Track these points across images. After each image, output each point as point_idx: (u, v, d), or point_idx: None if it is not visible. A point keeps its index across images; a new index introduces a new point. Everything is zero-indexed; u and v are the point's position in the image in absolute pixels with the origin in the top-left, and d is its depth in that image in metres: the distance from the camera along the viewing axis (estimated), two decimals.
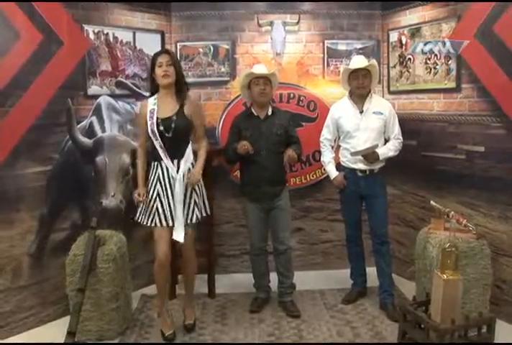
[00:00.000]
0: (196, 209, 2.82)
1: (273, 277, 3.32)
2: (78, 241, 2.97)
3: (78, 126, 3.22)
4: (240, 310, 3.26)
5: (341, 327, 3.00)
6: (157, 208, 2.77)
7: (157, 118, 2.75)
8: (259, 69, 3.12)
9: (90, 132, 3.30)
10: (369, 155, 3.05)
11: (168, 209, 2.77)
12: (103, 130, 3.36)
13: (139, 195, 2.79)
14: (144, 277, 3.56)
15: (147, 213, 2.79)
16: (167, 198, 2.77)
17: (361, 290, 3.39)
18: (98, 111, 3.35)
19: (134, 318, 3.16)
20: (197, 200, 2.82)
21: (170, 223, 2.77)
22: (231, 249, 3.93)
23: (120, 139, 3.42)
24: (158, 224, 2.77)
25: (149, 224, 2.79)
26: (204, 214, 2.88)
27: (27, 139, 2.93)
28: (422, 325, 2.58)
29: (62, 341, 2.52)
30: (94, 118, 3.34)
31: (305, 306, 3.28)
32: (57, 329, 2.88)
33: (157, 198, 2.77)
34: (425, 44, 3.47)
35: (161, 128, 2.73)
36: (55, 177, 3.11)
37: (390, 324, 2.99)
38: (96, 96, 3.34)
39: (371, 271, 3.31)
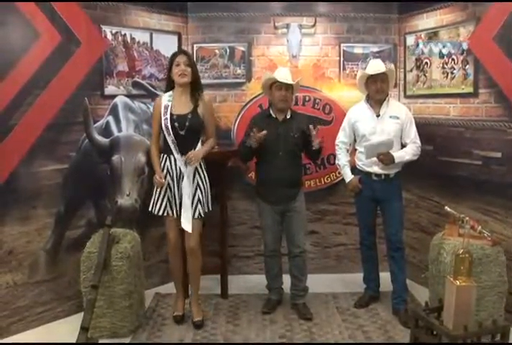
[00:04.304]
0: (200, 206, 2.91)
1: (286, 279, 3.32)
2: (93, 239, 3.01)
3: (95, 125, 3.26)
4: (252, 311, 3.27)
5: (353, 331, 2.99)
6: (168, 199, 2.93)
7: (172, 114, 2.85)
8: (282, 75, 3.03)
9: (106, 132, 3.34)
10: (384, 157, 3.02)
11: (173, 200, 2.92)
12: (120, 130, 3.40)
13: (160, 177, 2.86)
14: (158, 276, 3.59)
15: (159, 204, 2.94)
16: (176, 189, 2.90)
17: (374, 295, 3.37)
18: (114, 111, 3.39)
19: (147, 316, 3.18)
20: (201, 198, 2.92)
21: (179, 213, 2.91)
22: (244, 250, 3.93)
23: (136, 139, 3.45)
24: (170, 213, 2.95)
25: (161, 213, 2.95)
26: (206, 210, 2.96)
27: (45, 137, 2.98)
28: (434, 332, 2.56)
29: (75, 336, 2.55)
30: (111, 118, 3.37)
31: (318, 309, 3.27)
32: (72, 324, 2.91)
33: (168, 189, 2.92)
34: (440, 45, 3.44)
35: (175, 124, 2.84)
36: (72, 175, 3.15)
37: (402, 330, 2.97)
38: (112, 96, 3.38)
39: (384, 275, 3.29)
